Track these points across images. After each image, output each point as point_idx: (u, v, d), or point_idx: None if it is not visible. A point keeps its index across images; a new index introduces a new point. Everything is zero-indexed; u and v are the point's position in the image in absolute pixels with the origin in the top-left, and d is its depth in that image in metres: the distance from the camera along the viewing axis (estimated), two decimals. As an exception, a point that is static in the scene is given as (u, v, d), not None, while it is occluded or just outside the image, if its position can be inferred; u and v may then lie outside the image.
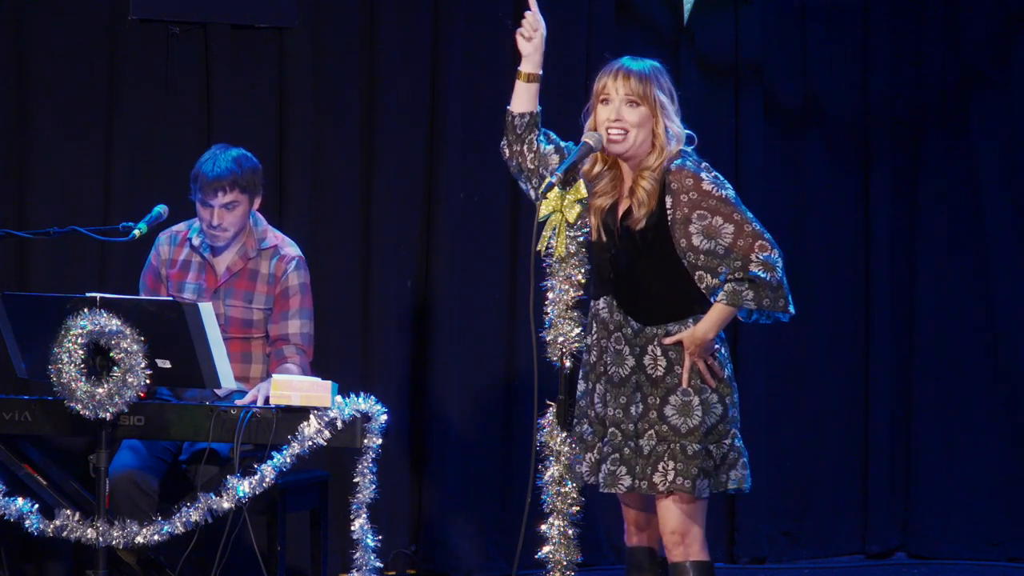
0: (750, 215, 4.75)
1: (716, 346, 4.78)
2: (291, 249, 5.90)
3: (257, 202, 5.82)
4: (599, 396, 4.86)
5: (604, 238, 4.84)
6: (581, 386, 4.90)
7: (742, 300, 4.71)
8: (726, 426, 4.77)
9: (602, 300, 4.86)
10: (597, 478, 4.83)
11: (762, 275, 4.69)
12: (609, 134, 4.76)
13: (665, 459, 4.72)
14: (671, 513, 4.76)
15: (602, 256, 4.84)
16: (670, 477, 4.70)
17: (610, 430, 4.81)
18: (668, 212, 4.73)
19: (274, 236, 5.91)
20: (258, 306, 5.82)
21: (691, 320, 4.76)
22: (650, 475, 4.72)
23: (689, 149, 4.83)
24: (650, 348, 4.77)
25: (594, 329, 4.86)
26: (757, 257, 4.70)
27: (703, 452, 4.72)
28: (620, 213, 4.82)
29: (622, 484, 4.76)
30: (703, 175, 4.74)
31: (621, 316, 4.81)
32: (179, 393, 5.72)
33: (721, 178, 4.77)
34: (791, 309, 4.77)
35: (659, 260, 4.76)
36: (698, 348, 4.73)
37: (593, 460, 4.84)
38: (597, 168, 4.88)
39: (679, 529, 4.75)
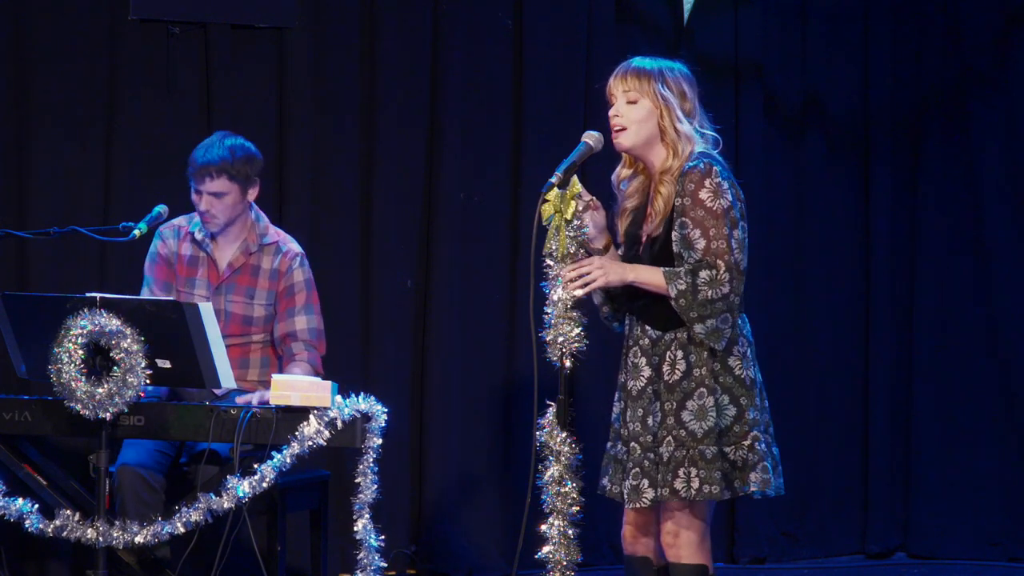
0: (730, 231, 4.64)
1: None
2: (293, 246, 5.90)
3: (252, 193, 5.79)
4: (622, 413, 4.81)
5: (627, 247, 4.80)
6: (616, 408, 4.85)
7: (674, 282, 4.61)
8: (743, 428, 4.68)
9: (628, 317, 4.83)
10: (621, 489, 4.77)
11: (700, 284, 4.62)
12: (612, 131, 4.75)
13: (686, 465, 4.65)
14: (670, 515, 4.73)
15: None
16: (695, 485, 4.64)
17: (631, 445, 4.76)
18: (675, 213, 4.69)
19: (275, 232, 5.91)
20: (260, 302, 5.82)
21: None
22: (671, 481, 4.66)
23: (714, 152, 4.75)
24: (667, 354, 4.70)
25: (624, 348, 4.84)
26: (710, 270, 4.62)
27: (720, 454, 4.66)
28: (646, 222, 4.78)
29: (645, 497, 4.70)
30: (706, 182, 4.66)
31: (640, 329, 4.77)
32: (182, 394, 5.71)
33: (725, 185, 4.68)
34: (698, 329, 4.64)
35: (671, 264, 4.69)
36: (604, 271, 4.65)
37: (618, 476, 4.80)
38: (627, 171, 4.84)
39: (673, 530, 4.72)
